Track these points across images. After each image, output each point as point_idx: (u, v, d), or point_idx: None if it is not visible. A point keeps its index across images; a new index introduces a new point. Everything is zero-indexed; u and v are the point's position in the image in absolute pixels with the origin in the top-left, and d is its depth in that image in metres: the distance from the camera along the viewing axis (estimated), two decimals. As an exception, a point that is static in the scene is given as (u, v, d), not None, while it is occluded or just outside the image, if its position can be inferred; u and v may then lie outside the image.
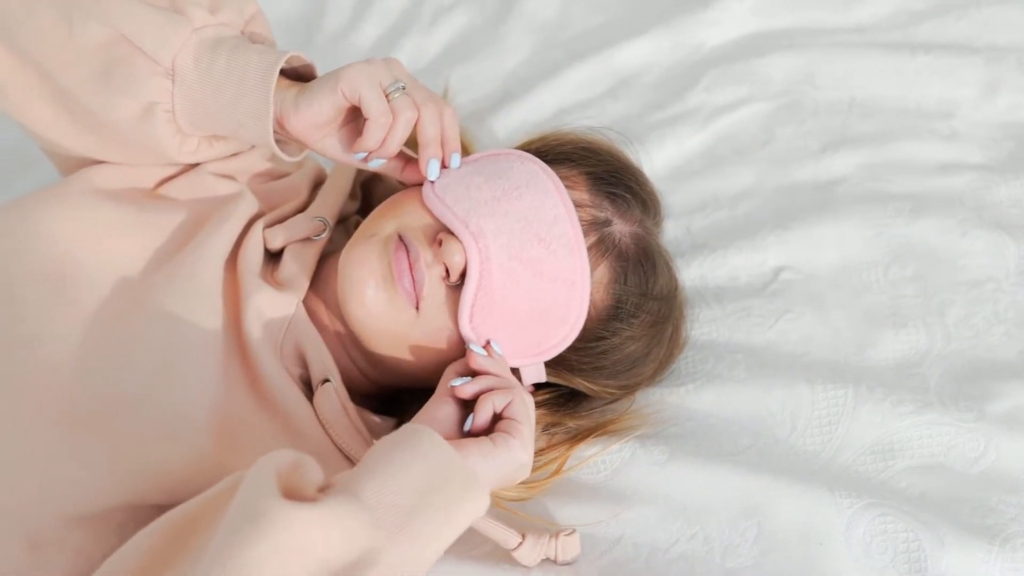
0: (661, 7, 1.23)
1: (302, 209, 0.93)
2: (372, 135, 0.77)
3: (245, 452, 0.74)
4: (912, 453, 0.81)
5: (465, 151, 1.11)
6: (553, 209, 0.79)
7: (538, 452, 0.83)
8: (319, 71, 1.27)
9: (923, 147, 1.04)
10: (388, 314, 0.78)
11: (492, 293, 0.77)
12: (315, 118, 0.77)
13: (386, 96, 0.76)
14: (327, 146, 0.81)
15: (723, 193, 1.04)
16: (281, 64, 0.77)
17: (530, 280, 0.78)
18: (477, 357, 0.76)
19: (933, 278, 0.93)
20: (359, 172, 0.98)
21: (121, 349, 0.76)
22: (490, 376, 0.75)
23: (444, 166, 0.81)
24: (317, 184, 0.97)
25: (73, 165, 0.88)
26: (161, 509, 0.68)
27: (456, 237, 0.78)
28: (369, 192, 1.02)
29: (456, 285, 0.79)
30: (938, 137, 1.05)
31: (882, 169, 1.02)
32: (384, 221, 0.81)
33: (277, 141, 0.80)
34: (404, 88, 0.77)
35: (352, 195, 0.97)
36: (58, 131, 0.84)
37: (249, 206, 0.87)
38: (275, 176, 0.95)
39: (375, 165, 0.80)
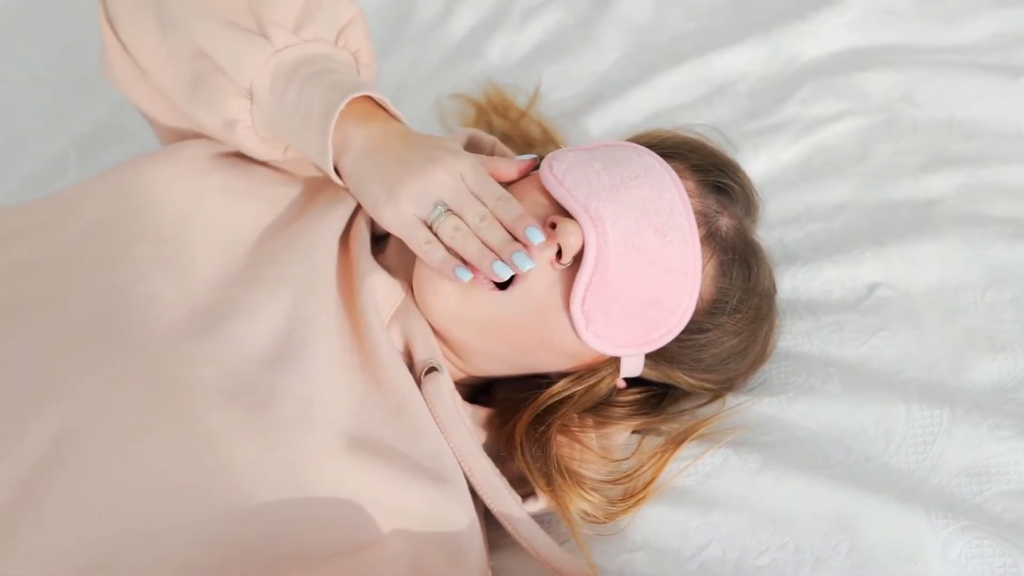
0: (757, 17, 1.22)
1: None
2: (437, 264, 0.76)
3: (362, 438, 0.75)
4: (1008, 478, 0.81)
5: (556, 147, 1.12)
6: (670, 200, 0.80)
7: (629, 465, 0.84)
8: (410, 63, 1.31)
9: (1024, 172, 1.03)
10: (467, 302, 0.78)
11: (606, 278, 0.78)
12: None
13: (430, 227, 0.76)
14: None
15: (818, 206, 1.04)
16: (341, 107, 0.77)
17: (644, 268, 0.78)
18: None
19: (1032, 304, 0.92)
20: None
21: (242, 315, 0.76)
22: None
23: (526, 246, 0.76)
24: None
25: (175, 137, 0.91)
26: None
27: (572, 219, 0.78)
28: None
29: (566, 267, 0.79)
30: (1040, 163, 1.04)
31: (982, 191, 1.01)
32: None
33: None
34: (445, 210, 0.76)
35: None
36: (163, 115, 0.89)
37: None
38: None
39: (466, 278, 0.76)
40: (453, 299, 0.79)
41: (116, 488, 0.70)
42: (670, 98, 1.17)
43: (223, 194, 0.83)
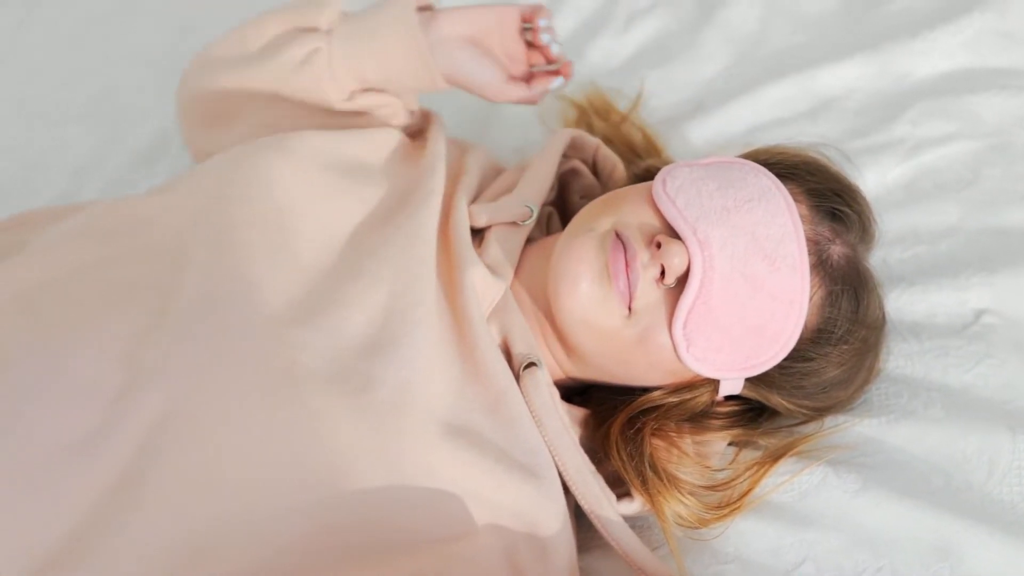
0: (866, 32, 1.20)
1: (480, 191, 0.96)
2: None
3: (459, 427, 0.76)
4: (1118, 518, 0.79)
5: (657, 154, 1.11)
6: (782, 227, 0.79)
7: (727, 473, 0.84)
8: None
9: None
10: (600, 312, 0.79)
11: (710, 302, 0.77)
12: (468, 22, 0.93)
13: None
14: (457, 59, 0.93)
15: (924, 228, 1.02)
16: None
17: (750, 295, 0.78)
18: None
19: None
20: (561, 164, 0.99)
21: (340, 306, 0.77)
22: None
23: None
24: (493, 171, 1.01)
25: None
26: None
27: (678, 240, 0.78)
28: (565, 185, 1.03)
29: (670, 288, 0.79)
30: None
31: (1097, 223, 0.99)
32: (603, 216, 0.82)
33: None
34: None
35: (551, 186, 0.99)
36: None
37: (442, 181, 0.89)
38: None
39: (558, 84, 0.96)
40: (588, 302, 0.79)
41: (216, 471, 0.70)
42: (774, 111, 1.15)
43: (327, 187, 0.84)
